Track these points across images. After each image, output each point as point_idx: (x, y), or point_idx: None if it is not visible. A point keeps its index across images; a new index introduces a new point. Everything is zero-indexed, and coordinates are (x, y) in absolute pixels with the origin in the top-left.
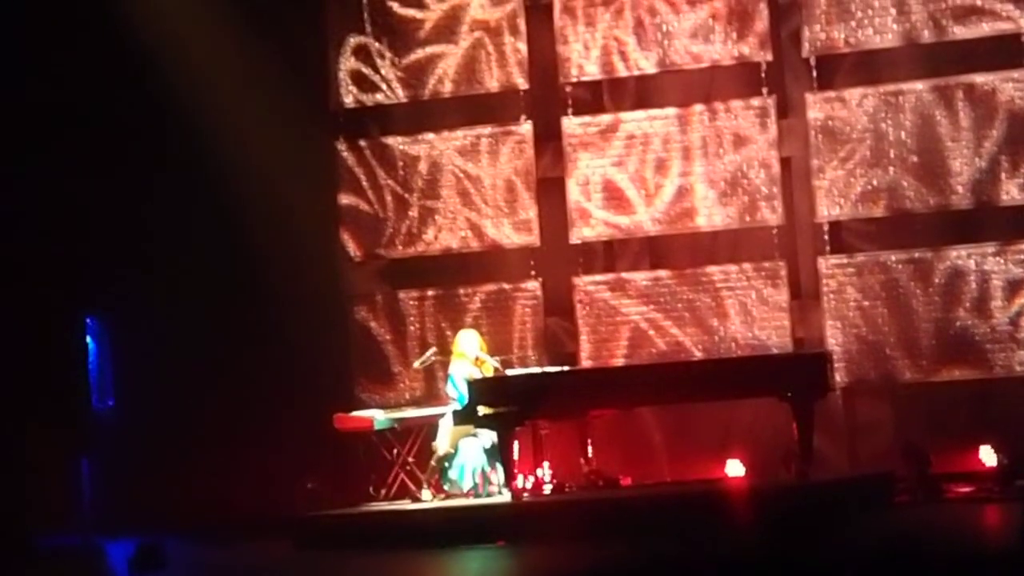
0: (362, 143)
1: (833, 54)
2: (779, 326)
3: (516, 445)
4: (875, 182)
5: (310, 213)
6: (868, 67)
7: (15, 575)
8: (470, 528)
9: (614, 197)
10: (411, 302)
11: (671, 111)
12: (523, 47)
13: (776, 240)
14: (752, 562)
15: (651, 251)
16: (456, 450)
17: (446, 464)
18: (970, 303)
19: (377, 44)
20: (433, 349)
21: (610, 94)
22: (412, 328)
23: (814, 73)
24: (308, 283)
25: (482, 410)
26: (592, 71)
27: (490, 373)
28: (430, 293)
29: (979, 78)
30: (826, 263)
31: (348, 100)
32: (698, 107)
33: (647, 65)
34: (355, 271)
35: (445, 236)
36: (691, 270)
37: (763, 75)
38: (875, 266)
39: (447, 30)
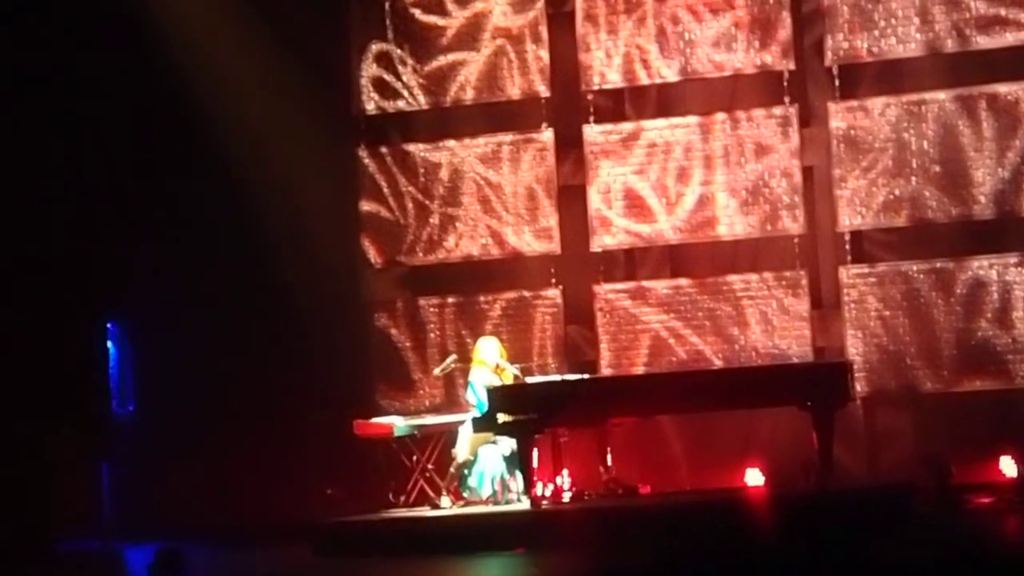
0: (383, 150)
1: (856, 63)
2: (799, 335)
3: (535, 453)
4: (897, 192)
5: (331, 219)
6: (891, 76)
7: None
8: (489, 535)
9: (635, 205)
10: (431, 309)
11: (693, 119)
12: (545, 55)
13: (797, 249)
14: (771, 571)
15: (672, 259)
16: (475, 457)
17: (465, 471)
18: (991, 313)
19: (399, 51)
20: (453, 356)
21: (632, 102)
22: (432, 335)
23: (836, 82)
24: (329, 290)
25: (502, 417)
26: (614, 79)
27: (510, 381)
28: (450, 300)
29: (1002, 88)
30: (847, 272)
31: (370, 107)
32: (720, 116)
33: (669, 73)
34: (376, 278)
35: (466, 243)
36: (712, 279)
37: (785, 84)
38: (896, 276)
39: (469, 37)
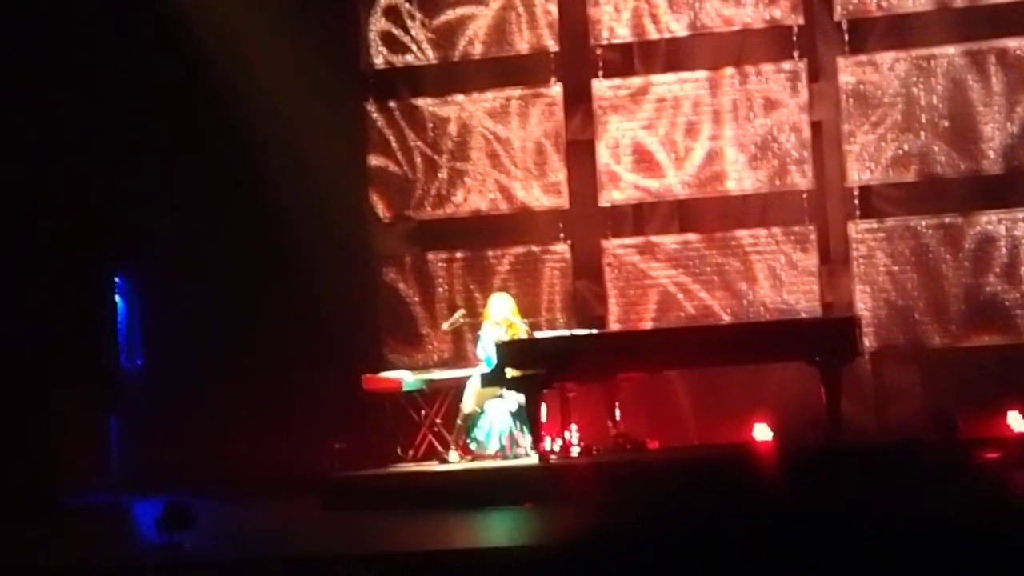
0: (392, 104)
1: (865, 18)
2: (808, 291)
3: (544, 408)
4: (906, 147)
5: (339, 174)
6: (900, 31)
7: (44, 533)
8: (497, 490)
9: (644, 160)
10: (440, 264)
11: (702, 74)
12: (553, 9)
13: (806, 204)
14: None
15: (680, 214)
16: (482, 410)
17: (471, 424)
18: (1000, 269)
19: (407, 5)
20: (461, 311)
21: (640, 57)
22: (441, 290)
23: (846, 37)
24: (337, 244)
25: (510, 372)
26: (623, 33)
27: (519, 336)
28: (459, 255)
29: (1012, 43)
30: (856, 228)
31: (378, 61)
32: (729, 70)
33: (678, 28)
34: (384, 233)
35: (474, 198)
36: (720, 234)
37: (794, 38)
38: (905, 231)
39: None
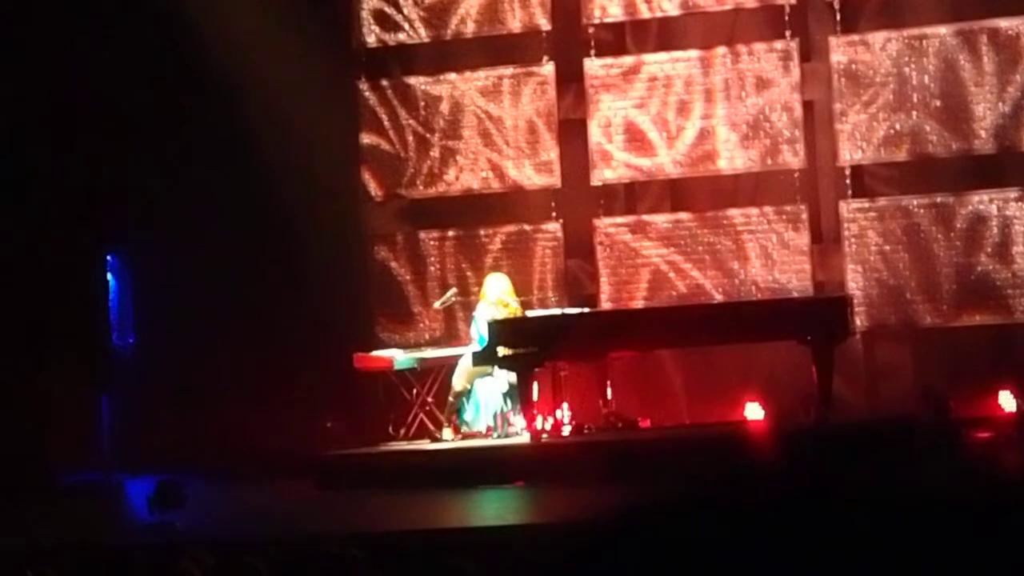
0: (384, 83)
1: None
2: (799, 270)
3: (535, 386)
4: (898, 126)
5: (331, 152)
6: (892, 11)
7: (36, 511)
8: (489, 469)
9: (636, 139)
10: (432, 242)
11: (694, 53)
12: None
13: (798, 184)
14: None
15: (672, 193)
16: (471, 388)
17: (461, 401)
18: (992, 248)
19: None
20: (453, 290)
21: (633, 36)
22: (432, 268)
23: (838, 16)
24: (329, 222)
25: (502, 351)
26: (615, 12)
27: (512, 315)
28: (451, 234)
29: (1003, 23)
30: (847, 207)
31: (371, 39)
32: (721, 49)
33: (670, 7)
34: (376, 211)
35: (466, 177)
36: (712, 213)
37: (787, 18)
38: (897, 210)
39: None
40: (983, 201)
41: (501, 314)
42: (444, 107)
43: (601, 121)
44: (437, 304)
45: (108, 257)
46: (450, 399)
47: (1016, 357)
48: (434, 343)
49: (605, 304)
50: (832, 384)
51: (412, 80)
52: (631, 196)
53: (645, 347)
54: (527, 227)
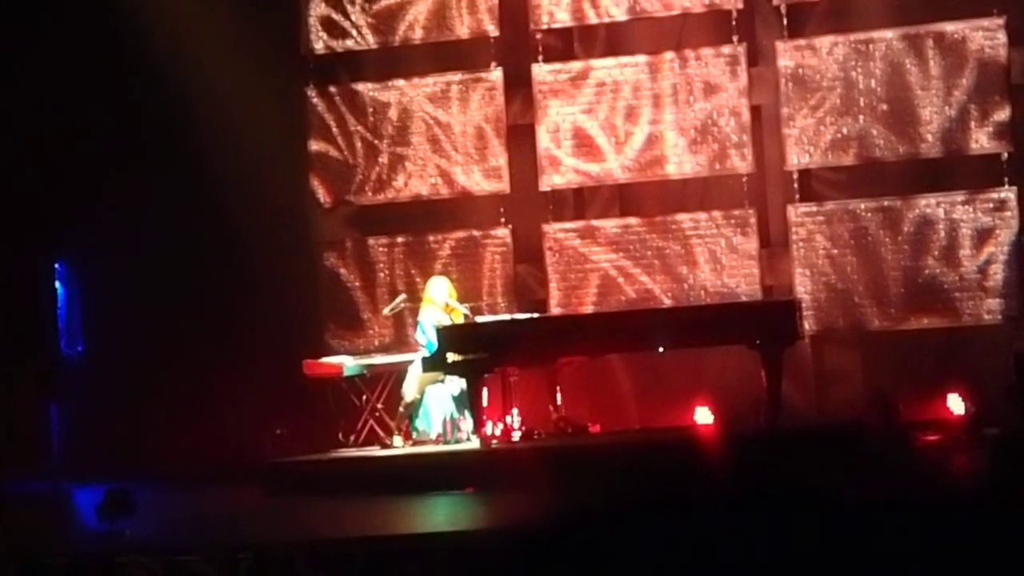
0: (332, 89)
1: (803, 2)
2: (748, 274)
3: (485, 392)
4: (845, 130)
5: (280, 159)
6: (838, 15)
7: None
8: (439, 474)
9: (584, 144)
10: (380, 249)
11: (641, 58)
12: None
13: (746, 188)
14: (721, 508)
15: (621, 198)
16: (422, 396)
17: (413, 412)
18: (939, 251)
19: None
20: (402, 296)
21: (580, 41)
22: (381, 275)
23: (784, 21)
24: (277, 229)
25: (451, 357)
26: (562, 18)
27: (460, 320)
28: (399, 240)
29: (949, 27)
30: (795, 211)
31: (318, 46)
32: (668, 55)
33: (617, 12)
34: (324, 217)
35: (415, 183)
36: (660, 218)
37: (734, 23)
38: (844, 214)
39: None
40: (930, 205)
41: (448, 319)
42: (392, 113)
43: (549, 127)
44: (386, 310)
45: (56, 265)
46: (400, 409)
47: (964, 360)
48: (383, 349)
49: (555, 309)
50: (781, 388)
51: (360, 87)
52: (580, 201)
53: (595, 352)
54: (476, 233)
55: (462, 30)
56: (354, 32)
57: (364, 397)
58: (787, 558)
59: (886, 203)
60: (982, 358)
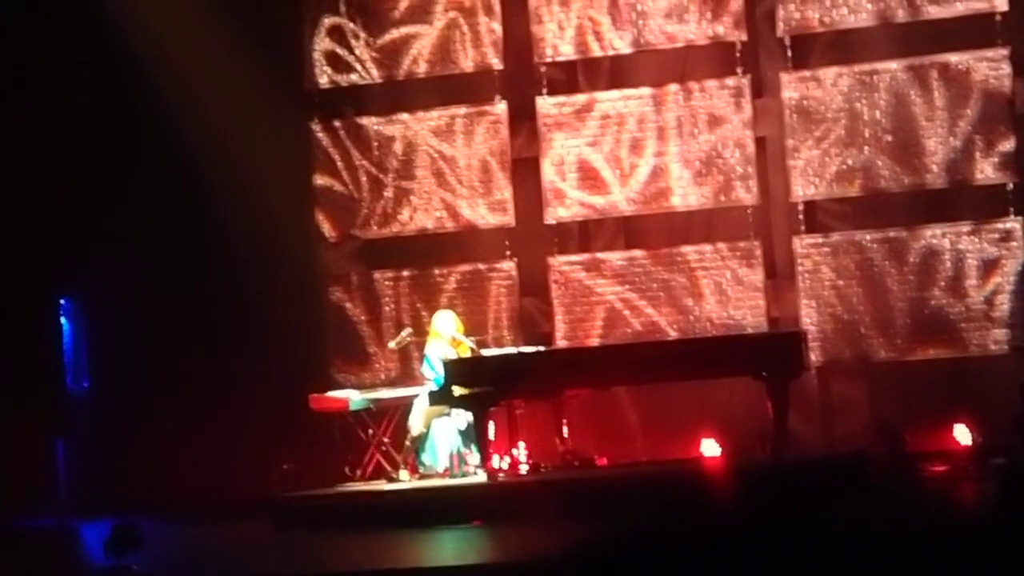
0: (337, 124)
1: (807, 33)
2: (754, 306)
3: (492, 425)
4: (850, 162)
5: (285, 194)
6: (843, 47)
7: None
8: (446, 508)
9: (589, 177)
10: (386, 283)
11: (646, 91)
12: (497, 27)
13: (751, 220)
14: (728, 540)
15: (626, 231)
16: (428, 430)
17: (420, 445)
18: (945, 282)
19: (352, 24)
20: (408, 329)
21: (585, 74)
22: (387, 309)
23: (789, 53)
24: (283, 264)
25: (458, 390)
26: (567, 51)
27: (466, 354)
28: (405, 274)
29: (953, 58)
30: (801, 243)
31: (323, 81)
32: (673, 87)
33: (621, 45)
34: (330, 252)
35: (420, 217)
36: (666, 250)
37: (738, 55)
38: (850, 246)
39: (421, 10)
40: (936, 235)
41: (454, 352)
42: (397, 147)
43: (554, 159)
44: (392, 344)
45: (62, 301)
46: (407, 443)
47: (970, 390)
48: (389, 383)
49: (560, 342)
50: (787, 419)
51: (365, 121)
52: (585, 234)
53: (601, 385)
54: (481, 266)
55: (466, 64)
56: (358, 66)
57: (370, 431)
58: None
59: (892, 234)
60: (989, 389)
